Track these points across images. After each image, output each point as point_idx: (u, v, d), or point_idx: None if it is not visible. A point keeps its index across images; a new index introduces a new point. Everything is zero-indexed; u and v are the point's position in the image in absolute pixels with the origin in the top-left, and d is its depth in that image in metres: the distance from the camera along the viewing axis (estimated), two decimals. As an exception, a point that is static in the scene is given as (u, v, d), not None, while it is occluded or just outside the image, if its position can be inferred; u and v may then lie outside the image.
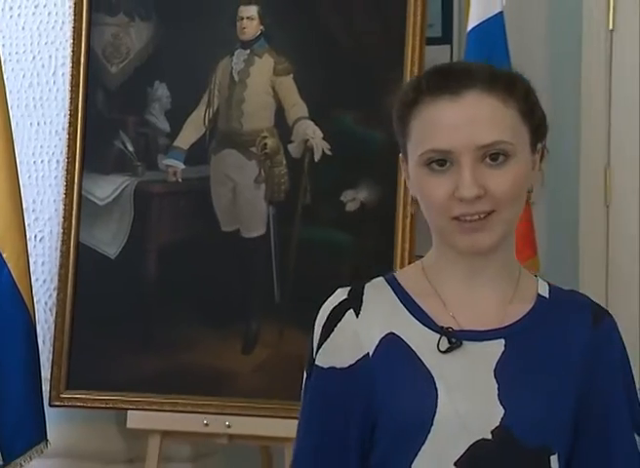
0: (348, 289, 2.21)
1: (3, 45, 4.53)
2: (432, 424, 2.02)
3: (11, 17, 4.82)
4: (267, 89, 4.35)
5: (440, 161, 2.01)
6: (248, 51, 4.39)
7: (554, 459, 2.07)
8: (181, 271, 4.43)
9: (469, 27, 4.17)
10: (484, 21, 4.12)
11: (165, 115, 4.47)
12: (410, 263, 4.09)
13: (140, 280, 4.48)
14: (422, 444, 2.03)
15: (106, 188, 4.50)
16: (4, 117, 4.37)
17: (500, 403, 2.04)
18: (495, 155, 2.01)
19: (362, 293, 2.17)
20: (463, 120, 2.01)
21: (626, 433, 2.15)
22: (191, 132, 4.43)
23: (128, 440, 4.64)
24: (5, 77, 4.39)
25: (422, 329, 2.10)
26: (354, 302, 2.16)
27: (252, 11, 4.38)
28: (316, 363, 2.16)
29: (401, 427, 2.07)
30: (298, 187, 4.30)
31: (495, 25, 4.10)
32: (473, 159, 1.99)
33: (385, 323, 2.11)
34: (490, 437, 2.03)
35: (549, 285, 2.22)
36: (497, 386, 2.05)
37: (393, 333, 2.10)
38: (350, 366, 2.10)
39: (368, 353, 2.10)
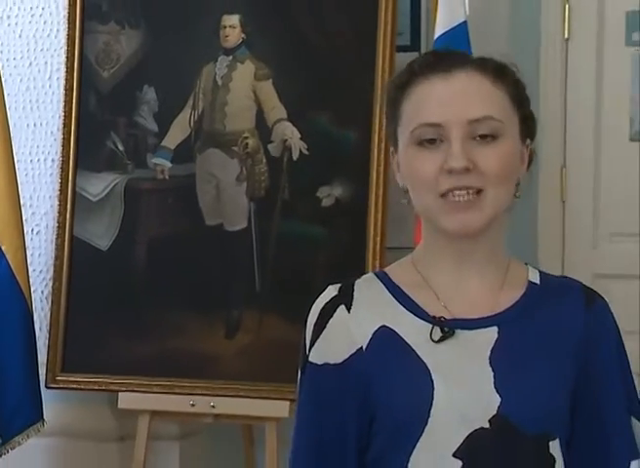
0: (339, 285, 2.08)
1: (1, 51, 4.53)
2: (429, 416, 1.91)
3: (9, 25, 4.82)
4: (248, 93, 4.37)
5: (430, 140, 1.91)
6: (230, 57, 4.40)
7: (553, 444, 1.95)
8: (169, 262, 4.45)
9: (436, 36, 4.18)
10: (449, 30, 4.13)
11: (153, 117, 4.48)
12: (381, 255, 4.15)
13: (130, 270, 4.49)
14: (420, 436, 1.91)
15: (99, 185, 4.51)
16: (2, 119, 4.37)
17: (497, 391, 1.92)
18: (484, 134, 1.91)
19: (352, 289, 2.05)
20: (455, 95, 1.93)
21: (622, 414, 2.03)
22: (178, 132, 4.45)
23: (119, 419, 4.64)
24: (3, 81, 4.39)
25: (415, 320, 1.98)
26: (345, 298, 2.04)
27: (234, 20, 4.40)
28: (310, 360, 2.04)
29: (398, 420, 1.94)
30: (277, 184, 4.32)
31: (459, 34, 4.11)
32: (463, 134, 1.90)
33: (377, 316, 2.00)
34: (488, 426, 1.91)
35: (540, 272, 2.11)
36: (492, 374, 1.93)
37: (386, 326, 1.98)
38: (344, 361, 1.99)
39: (361, 347, 1.98)
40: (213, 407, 4.27)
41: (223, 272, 4.38)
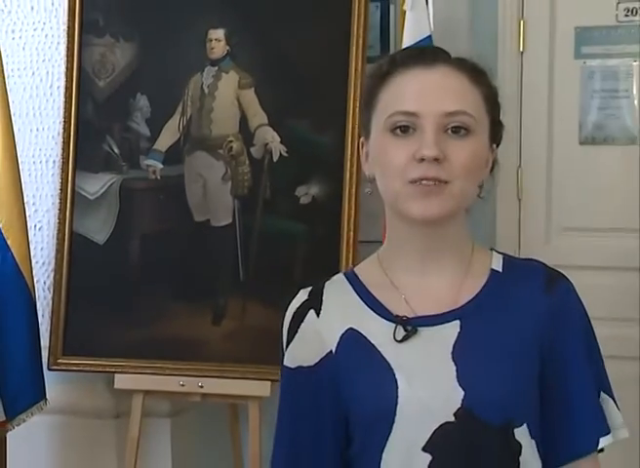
0: (309, 289, 2.03)
1: (7, 62, 4.49)
2: (396, 414, 1.83)
3: (13, 38, 4.82)
4: (233, 100, 4.37)
5: (404, 127, 1.82)
6: (216, 68, 4.41)
7: (519, 431, 1.85)
8: (160, 255, 4.46)
9: (403, 48, 4.16)
10: (415, 43, 4.09)
11: (145, 122, 4.48)
12: (354, 248, 4.17)
13: (124, 263, 4.49)
14: (389, 434, 1.84)
15: (96, 185, 4.51)
16: (7, 124, 4.36)
17: (460, 384, 1.83)
18: (457, 128, 1.83)
19: (322, 293, 1.99)
20: (433, 87, 1.84)
21: (590, 392, 1.92)
22: (168, 136, 4.44)
23: (115, 398, 4.65)
24: (8, 90, 4.39)
25: (379, 320, 1.90)
26: (314, 302, 1.98)
27: (219, 34, 4.40)
28: (284, 363, 1.99)
29: (367, 420, 1.88)
30: (259, 184, 4.33)
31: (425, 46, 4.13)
32: (437, 125, 1.81)
33: (345, 319, 1.92)
34: (453, 419, 1.82)
35: (504, 258, 1.99)
36: (455, 368, 1.84)
37: (352, 329, 1.91)
38: (316, 364, 1.92)
39: (331, 350, 1.92)
40: (201, 386, 4.29)
41: (210, 264, 4.39)
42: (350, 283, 1.98)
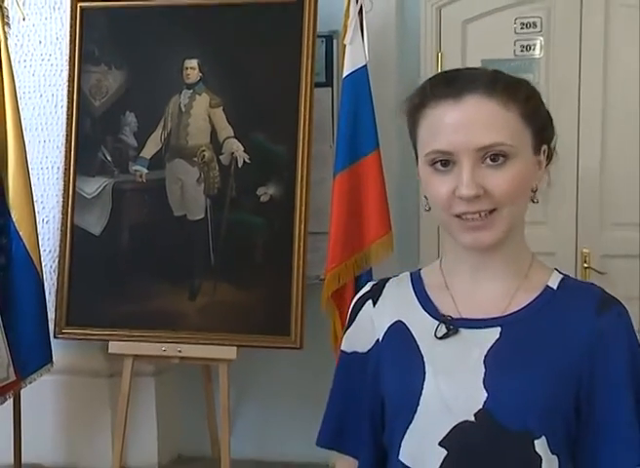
0: (374, 282, 1.81)
1: (19, 86, 4.47)
2: (418, 405, 1.61)
3: (24, 67, 4.81)
4: (205, 117, 4.36)
5: (443, 161, 1.57)
6: (191, 90, 4.40)
7: (539, 443, 1.56)
8: (146, 244, 4.44)
9: (344, 75, 4.17)
10: (353, 71, 4.12)
11: (133, 135, 4.46)
12: (305, 238, 4.18)
13: (116, 250, 4.48)
14: (410, 423, 1.62)
15: (93, 186, 4.50)
16: (19, 137, 4.36)
17: (485, 387, 1.58)
18: (494, 156, 1.55)
19: (383, 286, 1.77)
20: (463, 122, 1.55)
21: (629, 420, 1.59)
22: (152, 146, 4.43)
23: (109, 361, 4.63)
24: (20, 109, 4.39)
25: (426, 316, 1.67)
26: (375, 293, 1.76)
27: (194, 63, 4.39)
28: (342, 348, 1.79)
29: (394, 407, 1.67)
30: (226, 185, 4.32)
31: (361, 74, 4.11)
32: (473, 159, 1.54)
33: (396, 312, 1.71)
34: (473, 419, 1.57)
35: (564, 277, 1.69)
36: (484, 371, 1.59)
37: (400, 321, 1.70)
38: (368, 351, 1.73)
39: (378, 339, 1.71)
40: (179, 351, 4.28)
41: (187, 251, 4.37)
42: (412, 281, 1.75)
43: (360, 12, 4.15)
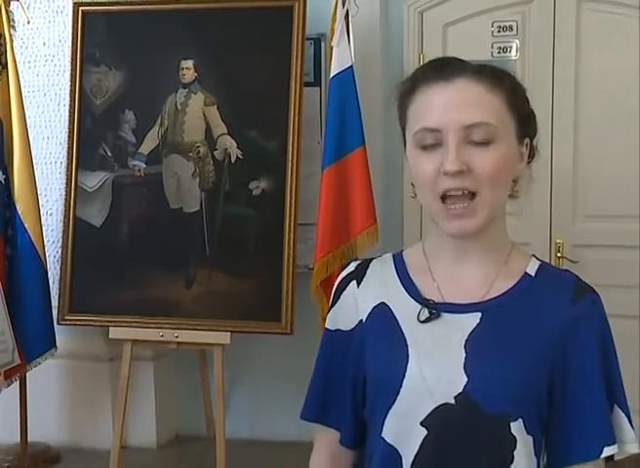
0: (358, 262, 1.75)
1: (24, 86, 4.48)
2: (401, 387, 1.58)
3: (29, 67, 4.80)
4: (200, 114, 4.35)
5: (431, 144, 1.55)
6: (187, 90, 4.38)
7: (515, 426, 1.54)
8: (144, 235, 4.42)
9: (331, 75, 4.16)
10: (341, 72, 4.12)
11: (132, 132, 4.44)
12: (295, 229, 4.17)
13: (116, 241, 4.46)
14: (393, 403, 1.59)
15: (94, 180, 4.48)
16: (24, 133, 4.37)
17: (465, 371, 1.55)
18: (480, 137, 1.53)
19: (367, 267, 1.72)
20: (452, 102, 1.54)
21: (599, 402, 1.58)
22: (150, 143, 4.41)
23: (110, 346, 4.63)
24: (26, 107, 4.37)
25: (409, 300, 1.63)
26: (358, 274, 1.71)
27: (189, 63, 4.38)
28: (326, 325, 1.74)
29: (377, 387, 1.63)
30: (220, 179, 4.31)
31: (347, 74, 4.10)
32: (459, 138, 1.52)
33: (380, 293, 1.67)
34: (453, 402, 1.54)
35: (541, 264, 1.67)
36: (464, 356, 1.56)
37: (384, 303, 1.65)
38: (351, 330, 1.68)
39: (361, 319, 1.67)
40: (176, 337, 4.26)
41: (183, 241, 4.36)
42: (395, 263, 1.70)
43: (346, 16, 4.16)
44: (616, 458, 1.62)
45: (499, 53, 4.52)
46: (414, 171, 1.59)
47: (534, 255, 1.68)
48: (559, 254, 4.45)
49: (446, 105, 1.54)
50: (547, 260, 4.30)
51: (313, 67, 4.58)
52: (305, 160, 4.34)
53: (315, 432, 1.77)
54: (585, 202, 4.47)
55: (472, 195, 1.54)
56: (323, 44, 4.55)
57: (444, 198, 1.54)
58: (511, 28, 4.51)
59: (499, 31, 4.53)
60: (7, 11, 4.36)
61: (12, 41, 4.35)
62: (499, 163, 1.54)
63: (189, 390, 4.87)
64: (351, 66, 4.12)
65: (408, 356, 1.59)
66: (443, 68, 1.57)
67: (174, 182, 4.36)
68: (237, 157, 4.28)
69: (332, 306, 1.74)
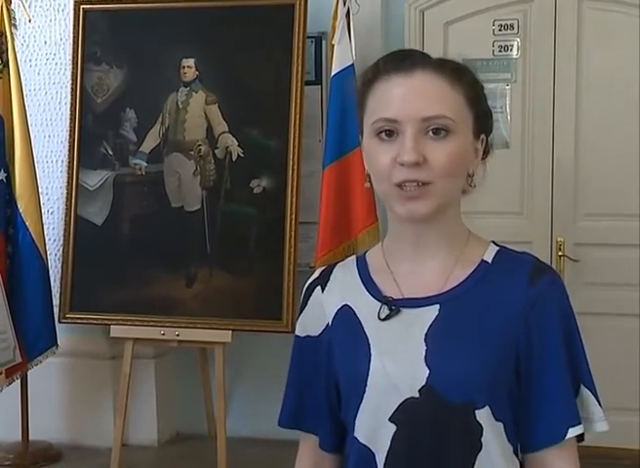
0: (322, 268, 1.75)
1: (25, 85, 4.49)
2: (367, 385, 1.58)
3: (30, 66, 4.79)
4: (201, 113, 4.35)
5: (388, 131, 1.53)
6: (188, 88, 4.38)
7: (480, 413, 1.54)
8: (145, 233, 4.43)
9: (332, 73, 4.16)
10: (341, 70, 4.12)
11: (133, 130, 4.45)
12: (295, 227, 4.18)
13: (117, 240, 4.46)
14: (361, 402, 1.59)
15: (95, 179, 4.48)
16: (25, 132, 4.38)
17: (426, 364, 1.54)
18: (437, 129, 1.52)
19: (331, 272, 1.72)
20: (412, 94, 1.52)
21: (563, 383, 1.57)
22: (151, 141, 4.41)
23: (111, 344, 4.63)
24: (27, 106, 4.38)
25: (370, 299, 1.62)
26: (323, 279, 1.71)
27: (190, 62, 4.38)
28: (296, 333, 1.74)
29: (346, 387, 1.63)
30: (221, 177, 4.31)
31: (348, 72, 4.09)
32: (417, 130, 1.51)
33: (343, 296, 1.66)
34: (418, 395, 1.54)
35: (500, 250, 1.65)
36: (425, 349, 1.55)
37: (347, 305, 1.65)
38: (319, 334, 1.68)
39: (328, 323, 1.67)
40: (177, 335, 4.26)
41: (184, 240, 4.36)
42: (358, 264, 1.69)
43: (347, 14, 4.16)
44: (586, 438, 1.60)
45: (500, 51, 4.52)
46: (370, 160, 1.58)
47: (492, 242, 1.67)
48: (560, 253, 4.45)
49: (405, 97, 1.53)
50: (548, 259, 4.40)
51: (314, 66, 4.57)
52: (306, 158, 4.34)
53: (300, 438, 1.77)
54: (586, 200, 4.47)
55: (427, 184, 1.53)
56: (324, 42, 4.54)
57: (399, 186, 1.53)
58: (512, 27, 4.51)
59: (500, 30, 4.53)
60: (8, 9, 4.37)
61: (13, 39, 4.36)
62: (453, 155, 1.53)
63: (190, 388, 4.86)
64: (352, 65, 4.11)
65: (370, 354, 1.59)
66: (405, 60, 1.57)
67: (175, 181, 4.36)
68: (238, 155, 4.28)
69: (300, 313, 1.74)
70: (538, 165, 4.50)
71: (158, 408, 4.80)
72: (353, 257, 1.73)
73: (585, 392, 1.59)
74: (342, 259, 1.75)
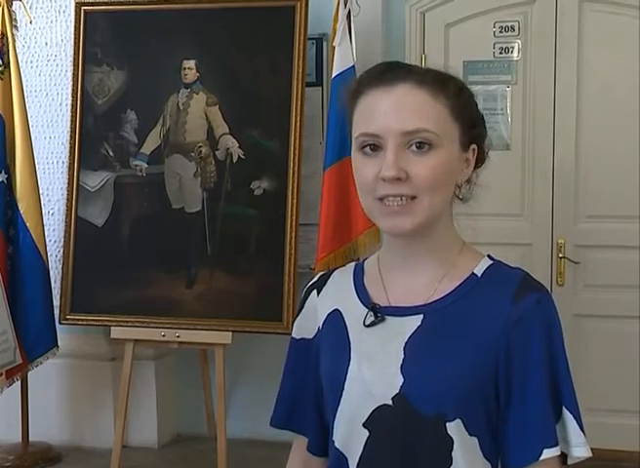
0: (322, 272, 1.76)
1: (26, 86, 4.49)
2: (344, 388, 1.58)
3: (31, 67, 4.80)
4: (201, 114, 4.35)
5: (372, 146, 1.52)
6: (188, 90, 4.38)
7: (451, 426, 1.51)
8: (146, 235, 4.42)
9: (333, 75, 4.16)
10: (342, 72, 4.11)
11: (134, 132, 4.44)
12: (296, 229, 4.18)
13: (117, 241, 4.46)
14: (338, 405, 1.60)
15: (95, 180, 4.48)
16: (26, 133, 4.37)
17: (402, 373, 1.54)
18: (419, 143, 1.49)
19: (329, 277, 1.73)
20: (393, 108, 1.50)
21: (540, 403, 1.53)
22: (151, 142, 4.41)
23: (111, 346, 4.63)
24: (28, 107, 4.38)
25: (359, 305, 1.62)
26: (320, 284, 1.72)
27: (191, 63, 4.38)
28: (292, 335, 1.75)
29: (327, 390, 1.64)
30: (222, 179, 4.31)
31: (349, 74, 4.08)
32: (398, 144, 1.49)
33: (335, 301, 1.67)
34: (391, 403, 1.54)
35: (492, 264, 1.62)
36: (402, 357, 1.55)
37: (337, 310, 1.66)
38: (313, 338, 1.69)
39: (319, 327, 1.68)
40: (178, 336, 4.26)
41: (184, 241, 4.36)
42: (354, 271, 1.70)
43: (348, 16, 4.16)
44: (569, 463, 1.56)
45: (500, 53, 4.52)
46: (355, 174, 1.57)
47: (488, 255, 1.64)
48: (561, 255, 4.45)
49: (386, 111, 1.51)
50: (549, 261, 4.39)
51: (315, 67, 4.57)
52: (307, 160, 4.34)
53: (293, 438, 1.79)
54: (587, 202, 4.47)
55: (412, 198, 1.51)
56: (325, 44, 4.54)
57: (381, 200, 1.52)
58: (513, 29, 4.51)
59: (500, 32, 4.53)
60: (9, 10, 4.37)
61: (14, 41, 4.36)
62: (436, 169, 1.50)
63: (191, 390, 4.86)
64: (353, 66, 4.11)
65: (350, 359, 1.59)
66: (387, 73, 1.55)
67: (175, 182, 4.36)
68: (239, 157, 4.28)
69: (297, 315, 1.75)
70: (538, 166, 4.50)
71: (158, 409, 4.79)
72: (352, 264, 1.73)
73: (567, 415, 1.55)
74: (344, 264, 1.76)
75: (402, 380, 1.54)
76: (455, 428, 1.52)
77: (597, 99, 4.43)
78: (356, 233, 4.13)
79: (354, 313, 1.63)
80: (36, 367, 4.35)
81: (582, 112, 4.45)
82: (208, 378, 4.73)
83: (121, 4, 4.52)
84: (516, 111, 4.53)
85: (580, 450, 1.54)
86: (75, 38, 4.52)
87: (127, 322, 4.31)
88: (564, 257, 4.45)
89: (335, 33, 4.16)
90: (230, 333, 4.17)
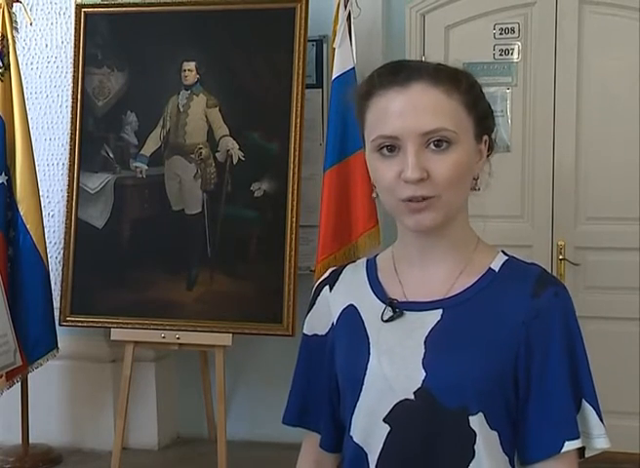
0: (333, 268, 1.76)
1: (26, 87, 4.49)
2: (363, 384, 1.58)
3: (32, 69, 4.81)
4: (202, 116, 4.35)
5: (389, 147, 1.51)
6: (189, 91, 4.38)
7: (474, 419, 1.52)
8: (146, 236, 4.42)
9: (333, 77, 4.15)
10: (342, 74, 4.11)
11: (134, 133, 4.45)
12: (296, 231, 4.18)
13: (118, 243, 4.46)
14: (357, 400, 1.59)
15: (96, 182, 4.48)
16: (26, 135, 4.37)
17: (424, 367, 1.54)
18: (438, 142, 1.49)
19: (340, 272, 1.73)
20: (409, 108, 1.50)
21: (562, 395, 1.53)
22: (152, 144, 4.41)
23: (111, 347, 4.63)
24: (28, 109, 4.39)
25: (375, 300, 1.63)
26: (332, 279, 1.72)
27: (191, 65, 4.38)
28: (303, 331, 1.75)
29: (344, 386, 1.64)
30: (222, 181, 4.31)
31: (349, 76, 4.09)
32: (418, 145, 1.49)
33: (350, 296, 1.67)
34: (413, 397, 1.53)
35: (508, 259, 1.64)
36: (423, 352, 1.55)
37: (352, 305, 1.66)
38: (326, 334, 1.69)
39: (333, 322, 1.68)
40: (178, 338, 4.26)
41: (184, 243, 4.36)
42: (367, 266, 1.70)
43: (349, 17, 4.16)
44: (587, 455, 1.57)
45: (501, 55, 4.53)
46: (375, 175, 1.56)
47: (502, 251, 1.66)
48: (561, 257, 4.45)
49: (402, 112, 1.50)
50: (549, 263, 4.39)
51: (315, 69, 4.58)
52: (307, 162, 4.34)
53: (303, 436, 1.78)
54: (587, 204, 4.47)
55: (432, 197, 1.51)
56: (325, 46, 4.55)
57: (404, 201, 1.52)
58: (513, 30, 4.51)
59: (500, 33, 4.53)
60: (10, 12, 4.37)
61: (14, 42, 4.36)
62: (457, 167, 1.51)
63: (191, 391, 4.87)
64: (353, 68, 4.11)
65: (369, 354, 1.59)
66: (399, 72, 1.53)
67: (175, 184, 4.36)
68: (239, 159, 4.28)
69: (309, 311, 1.75)
70: (538, 168, 4.51)
71: (158, 411, 4.79)
72: (364, 259, 1.73)
73: (587, 407, 1.56)
74: (352, 262, 1.75)
75: (424, 374, 1.53)
76: (477, 421, 1.52)
77: (597, 101, 4.44)
78: (356, 235, 4.13)
79: (370, 308, 1.63)
80: (36, 368, 4.36)
81: (582, 114, 4.45)
82: (208, 380, 4.73)
83: (121, 6, 4.52)
84: (516, 113, 4.54)
85: (601, 442, 1.55)
86: (75, 40, 4.53)
87: (127, 323, 4.31)
88: (564, 259, 4.46)
89: (335, 35, 4.15)
90: (230, 335, 4.17)
